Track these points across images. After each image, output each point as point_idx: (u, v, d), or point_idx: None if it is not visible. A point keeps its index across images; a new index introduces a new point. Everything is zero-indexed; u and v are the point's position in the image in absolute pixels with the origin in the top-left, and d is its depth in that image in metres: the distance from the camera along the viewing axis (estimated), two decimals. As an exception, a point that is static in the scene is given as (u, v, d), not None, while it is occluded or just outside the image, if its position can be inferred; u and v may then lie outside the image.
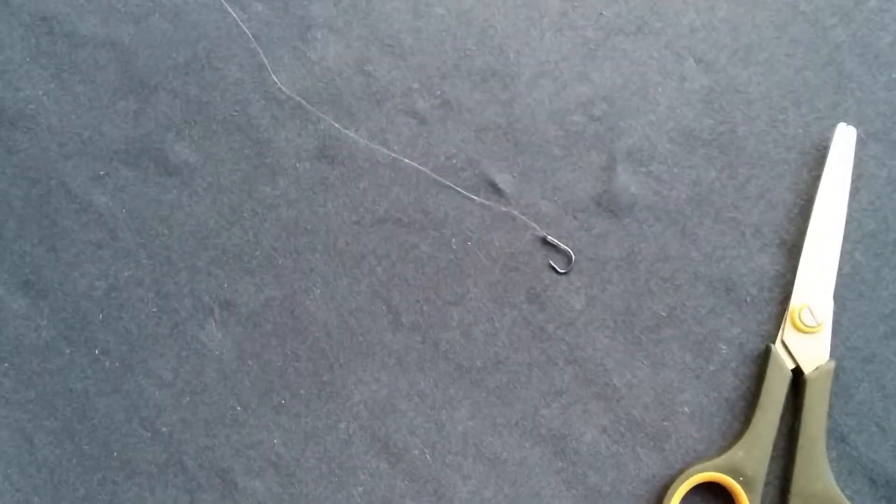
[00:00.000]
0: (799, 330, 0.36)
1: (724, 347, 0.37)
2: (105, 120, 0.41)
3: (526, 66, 0.40)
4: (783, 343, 0.36)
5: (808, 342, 0.36)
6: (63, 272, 0.40)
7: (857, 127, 0.38)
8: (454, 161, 0.40)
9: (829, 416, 0.36)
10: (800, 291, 0.36)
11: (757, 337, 0.37)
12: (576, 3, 0.41)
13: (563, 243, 0.38)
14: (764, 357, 0.37)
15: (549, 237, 0.38)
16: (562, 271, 0.38)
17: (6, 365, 0.40)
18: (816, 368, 0.36)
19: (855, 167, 0.38)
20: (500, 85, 0.40)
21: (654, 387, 0.37)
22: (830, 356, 0.36)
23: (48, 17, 0.42)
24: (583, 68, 0.40)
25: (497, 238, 0.39)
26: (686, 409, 0.37)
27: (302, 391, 0.39)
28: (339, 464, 0.38)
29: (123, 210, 0.40)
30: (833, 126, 0.38)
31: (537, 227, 0.38)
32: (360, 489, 0.37)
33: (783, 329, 0.36)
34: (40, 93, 0.42)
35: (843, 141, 0.37)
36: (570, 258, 0.38)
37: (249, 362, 0.39)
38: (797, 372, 0.36)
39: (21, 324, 0.40)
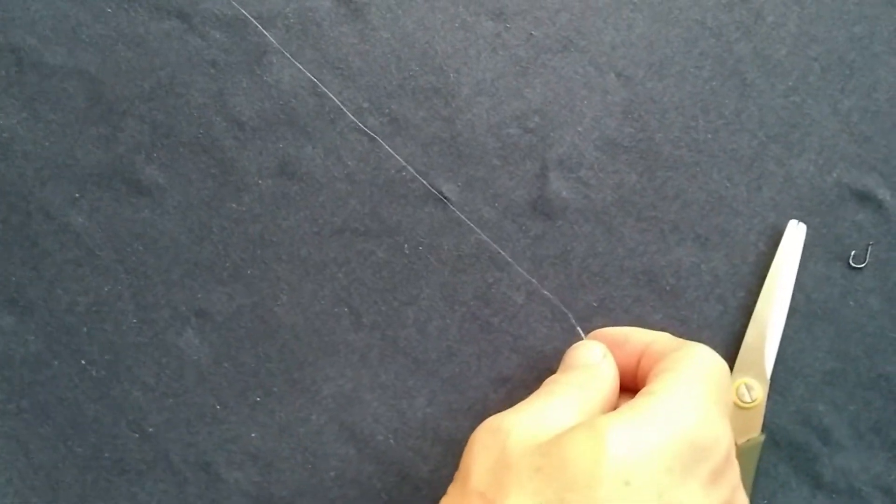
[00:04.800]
0: (735, 404, 0.40)
1: (648, 332, 0.42)
2: (77, 145, 0.44)
3: (465, 84, 0.44)
4: None
5: (742, 415, 0.40)
6: (46, 290, 0.43)
7: (758, 131, 0.43)
8: (404, 174, 0.44)
9: (755, 486, 0.40)
10: (740, 369, 0.40)
11: (675, 321, 0.42)
12: (508, 25, 0.45)
13: (502, 246, 0.43)
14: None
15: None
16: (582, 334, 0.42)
17: (-2, 378, 0.43)
18: (747, 440, 0.40)
19: (756, 167, 0.43)
20: (443, 102, 0.44)
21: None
22: (762, 430, 0.40)
23: (16, 49, 0.45)
24: (516, 85, 0.44)
25: (445, 243, 0.43)
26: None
27: (275, 389, 0.43)
28: (312, 452, 0.42)
29: (100, 230, 0.44)
30: (738, 131, 0.43)
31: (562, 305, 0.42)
32: (332, 474, 0.42)
33: None
34: (14, 122, 0.44)
35: (794, 236, 0.41)
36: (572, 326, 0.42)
37: (225, 365, 0.43)
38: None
39: (10, 339, 0.43)
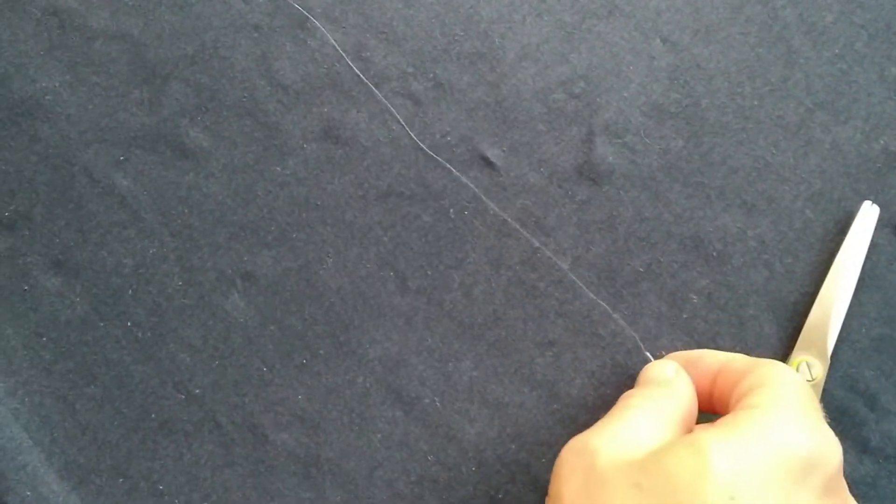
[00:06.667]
0: None
1: (694, 297, 0.42)
2: (121, 108, 0.44)
3: (510, 48, 0.44)
4: None
5: None
6: (92, 252, 0.43)
7: (805, 98, 0.43)
8: (448, 138, 0.44)
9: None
10: (802, 347, 0.40)
11: (721, 287, 0.42)
12: (552, -10, 0.44)
13: (548, 211, 0.43)
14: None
15: (644, 349, 0.41)
16: (650, 357, 0.41)
17: (45, 339, 0.43)
18: None
19: (802, 134, 0.43)
20: (488, 67, 0.44)
21: (635, 334, 0.42)
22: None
23: (58, 12, 0.45)
24: (562, 50, 0.44)
25: (491, 207, 0.43)
26: (663, 353, 0.42)
27: (321, 351, 0.43)
28: (358, 414, 0.42)
29: (144, 192, 0.44)
30: (785, 98, 0.43)
31: (634, 335, 0.42)
32: (379, 436, 0.42)
33: None
34: (57, 84, 0.44)
35: (866, 218, 0.41)
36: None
37: (272, 327, 0.43)
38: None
39: (56, 301, 0.43)
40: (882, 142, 0.43)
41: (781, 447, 0.29)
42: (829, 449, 0.30)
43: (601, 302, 0.42)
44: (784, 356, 0.41)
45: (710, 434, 0.29)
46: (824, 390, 0.41)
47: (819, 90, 0.43)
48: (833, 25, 0.44)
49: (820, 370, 0.40)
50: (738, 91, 0.43)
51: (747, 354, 0.40)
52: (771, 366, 0.33)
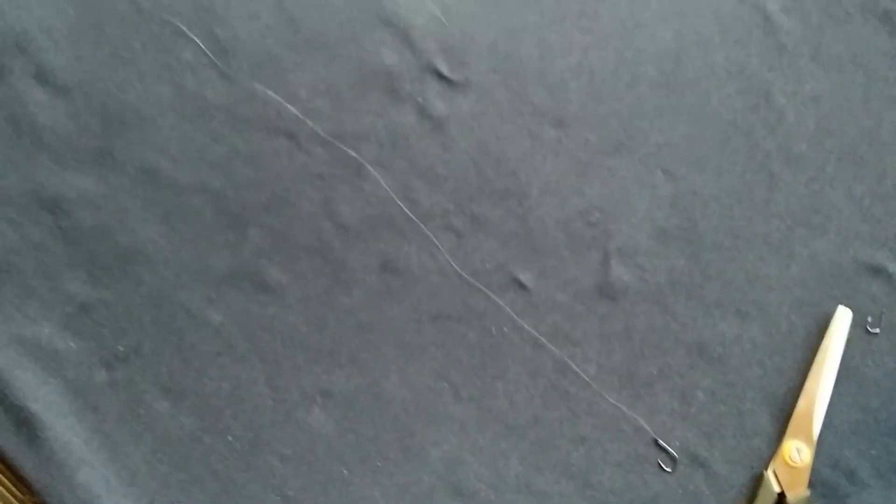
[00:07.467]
0: (786, 464, 0.48)
1: (700, 394, 0.50)
2: (209, 252, 0.52)
3: (534, 184, 0.52)
4: (773, 471, 0.49)
5: (792, 474, 0.48)
6: (194, 378, 0.52)
7: (785, 217, 0.51)
8: (486, 265, 0.52)
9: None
10: (792, 433, 0.48)
11: (722, 385, 0.50)
12: (567, 132, 0.52)
13: (574, 325, 0.51)
14: (757, 481, 0.50)
15: (660, 440, 0.50)
16: (668, 469, 0.50)
17: (160, 455, 0.51)
18: (797, 495, 0.48)
19: (784, 249, 0.51)
20: (516, 202, 0.52)
21: (652, 428, 0.50)
22: (809, 486, 0.49)
23: (149, 171, 0.53)
24: (578, 184, 0.52)
25: (526, 323, 0.51)
26: (677, 443, 0.50)
27: (391, 455, 0.51)
28: (426, 507, 0.51)
29: (234, 324, 0.52)
30: (769, 218, 0.51)
31: (649, 430, 0.50)
32: (445, 525, 0.50)
33: (775, 460, 0.49)
34: (154, 235, 0.52)
35: (842, 320, 0.49)
36: (674, 459, 0.50)
37: (349, 436, 0.51)
38: (781, 495, 0.49)
39: (167, 421, 0.51)
40: (851, 252, 0.50)
41: None
42: None
43: (627, 409, 0.50)
44: (777, 442, 0.49)
45: None
46: (813, 469, 0.49)
47: (797, 210, 0.51)
48: (807, 152, 0.51)
49: (808, 453, 0.48)
50: (729, 213, 0.51)
51: (746, 441, 0.49)
52: None
